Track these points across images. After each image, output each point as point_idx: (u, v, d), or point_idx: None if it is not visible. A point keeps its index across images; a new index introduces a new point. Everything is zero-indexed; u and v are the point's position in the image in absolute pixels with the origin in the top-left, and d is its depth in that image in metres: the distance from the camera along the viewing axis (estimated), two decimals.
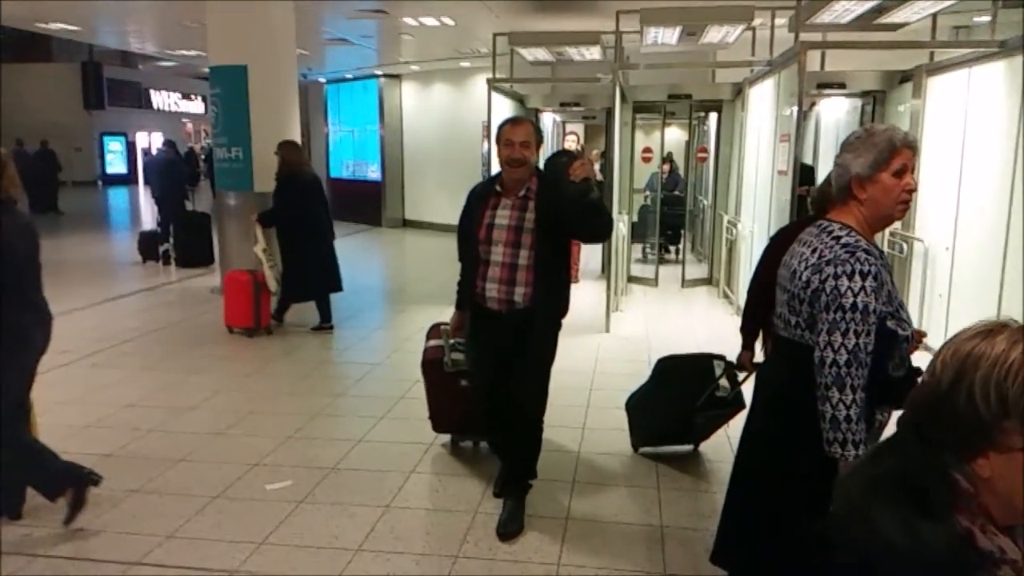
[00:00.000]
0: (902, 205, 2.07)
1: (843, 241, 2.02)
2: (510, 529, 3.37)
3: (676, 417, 4.01)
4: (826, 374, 1.96)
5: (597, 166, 10.31)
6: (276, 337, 6.86)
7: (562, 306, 3.38)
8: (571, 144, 9.33)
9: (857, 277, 1.94)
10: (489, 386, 3.46)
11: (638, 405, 4.30)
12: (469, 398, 3.75)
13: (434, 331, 4.15)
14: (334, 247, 7.06)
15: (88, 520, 3.45)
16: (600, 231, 3.31)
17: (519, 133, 3.25)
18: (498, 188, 3.35)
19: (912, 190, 2.06)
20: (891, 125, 2.11)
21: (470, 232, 3.36)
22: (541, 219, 3.22)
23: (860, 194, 2.05)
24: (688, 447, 4.25)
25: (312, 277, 6.89)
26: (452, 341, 3.82)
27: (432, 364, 4.05)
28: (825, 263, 2.00)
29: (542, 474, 3.62)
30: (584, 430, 4.62)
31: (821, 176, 7.29)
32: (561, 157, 3.08)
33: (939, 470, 0.96)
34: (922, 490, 0.95)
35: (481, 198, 3.39)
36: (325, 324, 7.05)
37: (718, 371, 3.84)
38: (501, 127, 3.33)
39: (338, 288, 7.09)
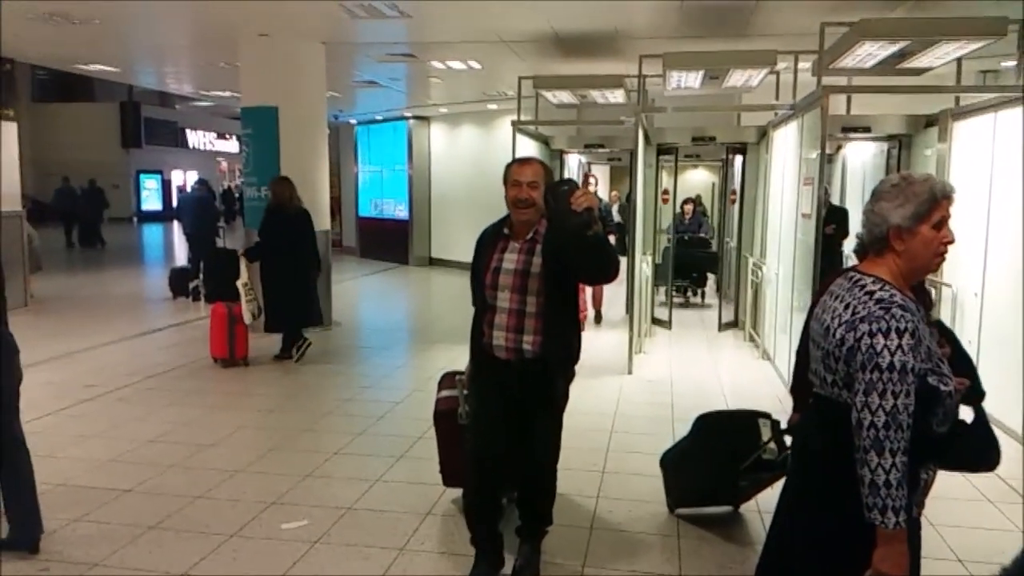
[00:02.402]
0: (939, 258, 2.01)
1: (877, 296, 1.94)
2: None
3: (719, 477, 3.77)
4: (864, 437, 1.86)
5: (616, 207, 10.33)
6: (300, 373, 6.91)
7: (573, 354, 3.22)
8: (591, 187, 9.32)
9: (893, 335, 1.86)
10: (491, 436, 3.20)
11: (676, 462, 4.01)
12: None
13: (447, 380, 3.91)
14: (315, 281, 7.24)
15: (105, 555, 3.47)
16: (603, 270, 2.96)
17: (527, 173, 3.08)
18: (506, 231, 3.18)
19: (950, 242, 2.00)
20: (929, 175, 2.05)
21: (479, 276, 3.21)
22: (548, 263, 3.04)
23: (898, 245, 1.99)
24: (728, 508, 4.00)
25: (288, 307, 7.06)
26: (467, 392, 3.53)
27: (444, 415, 3.75)
28: (859, 320, 1.92)
29: (559, 519, 3.55)
30: (604, 474, 4.56)
31: (854, 218, 7.26)
32: (562, 185, 2.81)
33: None
34: None
35: (490, 241, 3.21)
36: (285, 354, 7.19)
37: (764, 431, 3.64)
38: (508, 167, 3.16)
39: (316, 322, 7.24)
